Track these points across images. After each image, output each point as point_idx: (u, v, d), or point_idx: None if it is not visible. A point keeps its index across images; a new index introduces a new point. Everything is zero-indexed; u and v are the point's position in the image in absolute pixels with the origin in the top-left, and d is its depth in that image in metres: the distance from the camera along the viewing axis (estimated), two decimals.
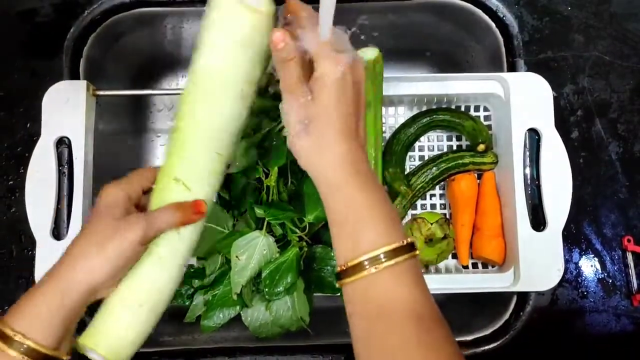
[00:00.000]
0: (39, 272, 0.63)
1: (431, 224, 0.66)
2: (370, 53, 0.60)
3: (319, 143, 0.41)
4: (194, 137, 0.46)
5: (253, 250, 0.60)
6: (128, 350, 0.45)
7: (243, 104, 0.47)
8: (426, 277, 0.64)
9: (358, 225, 0.40)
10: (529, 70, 0.69)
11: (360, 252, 0.39)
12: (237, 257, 0.59)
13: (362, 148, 0.42)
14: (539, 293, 0.65)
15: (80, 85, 0.66)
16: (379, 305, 0.39)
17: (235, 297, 0.60)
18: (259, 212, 0.61)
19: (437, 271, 0.69)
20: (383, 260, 0.38)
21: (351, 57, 0.41)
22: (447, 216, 0.72)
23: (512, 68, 0.70)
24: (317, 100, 0.41)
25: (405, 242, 0.39)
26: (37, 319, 0.41)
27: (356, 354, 0.40)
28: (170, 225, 0.45)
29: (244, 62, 0.45)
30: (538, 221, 0.65)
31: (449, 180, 0.70)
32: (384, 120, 0.73)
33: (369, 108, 0.62)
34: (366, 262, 0.38)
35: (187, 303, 0.63)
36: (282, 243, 0.63)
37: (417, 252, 0.40)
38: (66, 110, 0.66)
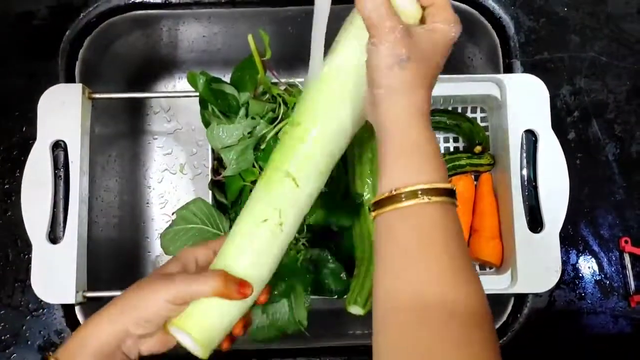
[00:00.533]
0: (35, 276, 0.63)
1: None
2: None
3: (411, 83, 0.40)
4: (315, 135, 0.45)
5: None
6: (219, 336, 0.45)
7: (361, 107, 0.45)
8: None
9: (418, 159, 0.40)
10: (525, 71, 0.69)
11: (413, 182, 0.38)
12: None
13: (429, 101, 0.42)
14: (536, 295, 0.65)
15: (76, 88, 0.66)
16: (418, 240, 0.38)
17: None
18: None
19: None
20: (431, 195, 0.38)
21: (456, 21, 0.43)
22: None
23: (509, 69, 0.70)
24: (424, 44, 0.40)
25: (450, 186, 0.39)
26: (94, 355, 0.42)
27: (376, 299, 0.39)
28: (206, 295, 0.43)
29: None
30: (535, 223, 0.65)
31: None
32: None
33: None
34: (419, 192, 0.38)
35: None
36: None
37: (454, 200, 0.40)
38: (62, 113, 0.66)
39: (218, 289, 0.43)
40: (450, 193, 0.39)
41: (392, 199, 0.39)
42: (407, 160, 0.40)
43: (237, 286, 0.44)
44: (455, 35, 0.43)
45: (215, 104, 0.64)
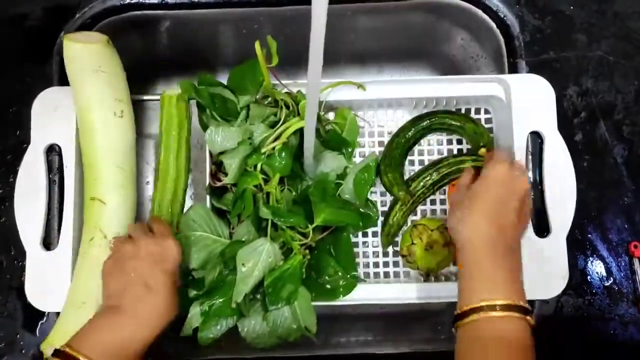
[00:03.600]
0: (29, 283, 0.62)
1: (432, 230, 0.64)
2: (172, 92, 0.66)
3: (464, 217, 0.53)
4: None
5: (258, 258, 0.59)
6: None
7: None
8: (425, 285, 0.65)
9: (482, 282, 0.50)
10: (530, 71, 0.67)
11: (489, 297, 0.48)
12: (242, 264, 0.58)
13: (502, 233, 0.52)
14: (543, 301, 0.64)
15: (71, 91, 0.64)
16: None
17: (234, 305, 0.58)
18: (265, 212, 0.60)
19: (437, 279, 0.68)
20: (497, 309, 0.47)
21: (512, 170, 0.56)
22: None
23: (514, 69, 0.68)
24: (472, 189, 0.55)
25: (520, 303, 0.48)
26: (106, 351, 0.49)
27: None
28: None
29: None
30: (541, 227, 0.63)
31: (450, 186, 0.68)
32: (382, 123, 0.72)
33: (171, 143, 0.66)
34: (485, 306, 0.47)
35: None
36: (285, 250, 0.62)
37: (530, 318, 0.48)
38: (56, 116, 0.65)
39: None
40: (522, 310, 0.48)
41: (463, 315, 0.48)
42: (471, 284, 0.51)
43: None
44: (497, 172, 0.56)
45: (214, 107, 0.63)
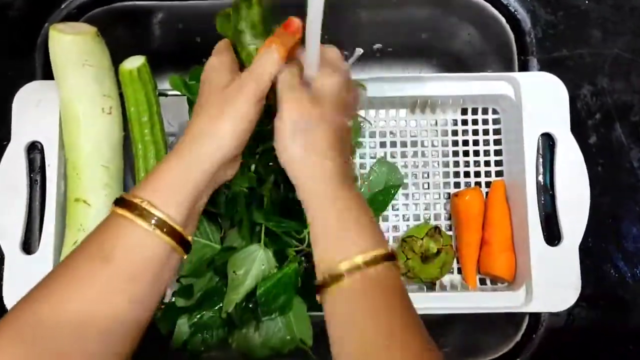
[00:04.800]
0: (7, 289, 0.59)
1: (421, 239, 0.61)
2: (135, 62, 0.60)
3: (311, 152, 0.42)
4: (82, 162, 0.60)
5: (251, 265, 0.56)
6: None
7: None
8: (429, 295, 0.62)
9: (341, 234, 0.41)
10: (542, 69, 0.64)
11: (343, 257, 0.39)
12: (234, 272, 0.56)
13: (347, 162, 0.43)
14: (553, 314, 0.61)
15: (54, 85, 0.61)
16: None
17: (224, 315, 0.55)
18: (258, 217, 0.57)
19: (442, 288, 0.64)
20: (362, 266, 0.39)
21: (346, 74, 0.45)
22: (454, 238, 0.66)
23: (524, 67, 0.65)
24: (316, 107, 0.42)
25: (384, 251, 0.40)
26: (164, 190, 0.40)
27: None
28: (278, 64, 0.42)
29: None
30: (552, 235, 0.60)
31: (453, 196, 0.65)
32: (383, 123, 0.69)
33: (143, 119, 0.61)
34: (349, 269, 0.39)
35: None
36: (280, 257, 0.58)
37: (397, 262, 0.41)
38: (38, 112, 0.62)
39: (282, 49, 0.42)
40: (390, 257, 0.40)
41: (333, 278, 0.39)
42: (339, 235, 0.41)
43: (286, 31, 0.44)
44: (339, 82, 0.44)
45: None
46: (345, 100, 0.44)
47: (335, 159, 0.42)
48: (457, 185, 0.67)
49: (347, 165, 0.43)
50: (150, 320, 0.41)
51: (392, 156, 0.68)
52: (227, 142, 0.41)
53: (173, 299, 0.59)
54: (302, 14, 0.41)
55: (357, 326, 0.38)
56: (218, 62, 0.45)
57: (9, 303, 0.59)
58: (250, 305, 0.57)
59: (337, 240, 0.41)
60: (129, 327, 0.39)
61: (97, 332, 0.37)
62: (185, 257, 0.41)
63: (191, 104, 0.61)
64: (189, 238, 0.41)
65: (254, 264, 0.57)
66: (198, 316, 0.57)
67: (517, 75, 0.62)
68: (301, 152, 0.42)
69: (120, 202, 0.39)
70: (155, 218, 0.38)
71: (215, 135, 0.41)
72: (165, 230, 0.38)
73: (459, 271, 0.66)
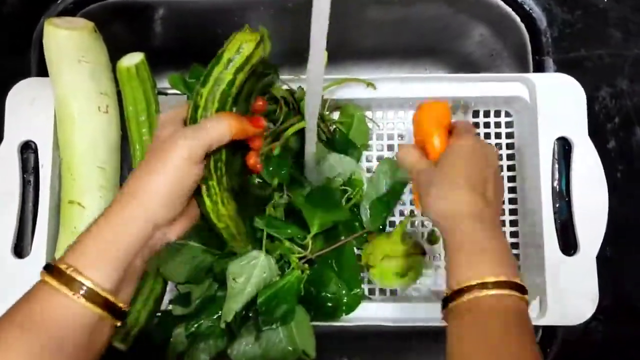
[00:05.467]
0: None
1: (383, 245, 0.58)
2: (133, 59, 0.58)
3: (444, 194, 0.45)
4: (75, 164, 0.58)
5: (251, 272, 0.55)
6: None
7: None
8: (425, 305, 0.58)
9: (476, 256, 0.43)
10: (558, 70, 0.62)
11: (478, 275, 0.41)
12: (234, 279, 0.54)
13: (487, 204, 0.45)
14: (569, 327, 0.58)
15: (49, 82, 0.59)
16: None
17: (223, 325, 0.53)
18: (259, 223, 0.55)
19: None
20: (491, 285, 0.40)
21: (476, 139, 0.48)
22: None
23: (540, 68, 0.63)
24: (442, 163, 0.47)
25: (516, 280, 0.41)
26: (91, 255, 0.37)
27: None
28: (226, 135, 0.41)
29: None
30: (568, 244, 0.58)
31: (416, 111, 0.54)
32: (391, 125, 0.66)
33: (141, 119, 0.58)
34: (481, 285, 0.41)
35: None
36: (282, 263, 0.57)
37: (525, 296, 0.42)
38: (32, 111, 0.60)
39: (235, 126, 0.42)
40: (520, 288, 0.41)
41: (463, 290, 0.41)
42: (475, 256, 0.43)
43: (248, 121, 0.44)
44: (466, 144, 0.47)
45: None
46: (477, 157, 0.47)
47: (466, 195, 0.44)
48: None
49: (485, 204, 0.45)
50: None
51: None
52: (154, 205, 0.39)
53: (169, 307, 0.57)
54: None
55: (488, 343, 0.39)
56: (167, 115, 0.44)
57: None
58: (251, 315, 0.56)
59: (472, 257, 0.42)
60: None
61: None
62: (119, 323, 0.39)
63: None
64: (121, 305, 0.38)
65: (255, 271, 0.55)
66: (195, 325, 0.55)
67: (533, 76, 0.60)
68: (435, 195, 0.45)
69: (48, 268, 0.37)
70: (82, 286, 0.36)
71: (142, 197, 0.39)
72: (92, 298, 0.36)
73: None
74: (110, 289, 0.37)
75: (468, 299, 0.40)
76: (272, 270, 0.55)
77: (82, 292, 0.36)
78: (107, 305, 0.37)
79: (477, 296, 0.40)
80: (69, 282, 0.36)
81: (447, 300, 0.42)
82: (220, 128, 0.41)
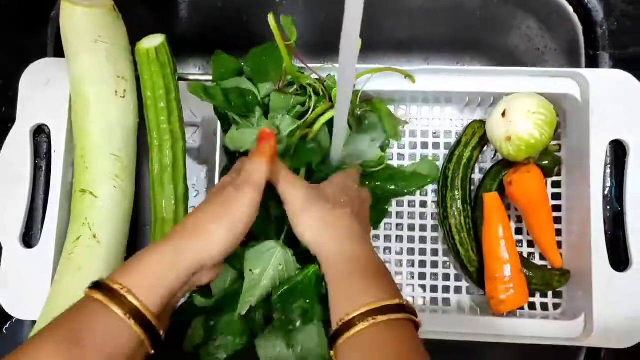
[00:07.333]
0: (3, 286, 0.55)
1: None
2: (154, 41, 0.55)
3: (320, 220, 0.46)
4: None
5: (267, 264, 0.51)
6: None
7: None
8: (474, 319, 0.54)
9: (352, 287, 0.42)
10: (615, 66, 0.58)
11: (356, 307, 0.40)
12: (250, 270, 0.50)
13: (362, 228, 0.47)
14: (617, 350, 0.53)
15: (65, 63, 0.56)
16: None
17: (237, 317, 0.50)
18: (276, 210, 0.52)
19: (482, 311, 0.57)
20: (377, 315, 0.39)
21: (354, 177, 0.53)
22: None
23: (593, 63, 0.59)
24: (320, 187, 0.49)
25: (398, 301, 0.40)
26: (147, 280, 0.39)
27: None
28: (265, 173, 0.45)
29: None
30: (619, 258, 0.54)
31: (506, 184, 0.58)
32: (426, 122, 0.62)
33: (160, 105, 0.56)
34: (361, 316, 0.39)
35: None
36: (303, 259, 0.52)
37: (410, 315, 0.41)
38: (47, 93, 0.58)
39: (267, 157, 0.45)
40: (402, 308, 0.40)
41: (345, 327, 0.40)
42: (342, 291, 0.43)
43: (267, 142, 0.47)
44: (343, 178, 0.51)
45: (230, 107, 0.55)
46: (350, 191, 0.50)
47: (343, 221, 0.46)
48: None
49: (359, 227, 0.46)
50: None
51: (436, 159, 0.62)
52: (216, 245, 0.41)
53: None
54: None
55: None
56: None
57: (4, 300, 0.55)
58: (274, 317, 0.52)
59: (348, 290, 0.42)
60: None
61: None
62: (152, 352, 0.39)
63: (216, 110, 0.57)
64: (161, 332, 0.39)
65: (270, 262, 0.51)
66: (215, 319, 0.51)
67: (586, 72, 0.55)
68: (310, 221, 0.46)
69: (97, 286, 0.38)
70: (132, 307, 0.37)
71: (207, 236, 0.41)
72: (140, 321, 0.37)
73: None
74: (156, 314, 0.38)
75: (354, 332, 0.39)
76: (289, 264, 0.51)
77: (131, 312, 0.37)
78: (149, 330, 0.38)
79: (360, 328, 0.38)
80: (121, 302, 0.37)
81: (334, 338, 0.40)
82: (263, 168, 0.44)
